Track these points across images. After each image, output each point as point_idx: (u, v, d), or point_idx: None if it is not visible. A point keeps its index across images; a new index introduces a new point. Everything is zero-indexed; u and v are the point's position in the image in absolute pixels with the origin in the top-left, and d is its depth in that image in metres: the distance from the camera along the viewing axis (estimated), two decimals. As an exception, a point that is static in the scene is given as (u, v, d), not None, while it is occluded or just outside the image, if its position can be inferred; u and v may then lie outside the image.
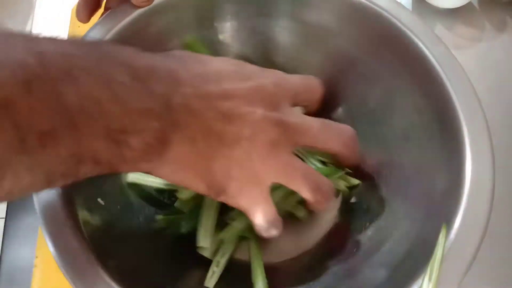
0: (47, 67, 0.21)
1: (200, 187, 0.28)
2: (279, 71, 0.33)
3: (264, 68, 0.32)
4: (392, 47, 0.40)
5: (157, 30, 0.41)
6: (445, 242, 0.31)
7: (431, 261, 0.30)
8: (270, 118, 0.28)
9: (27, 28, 0.57)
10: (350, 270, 0.39)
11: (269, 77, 0.31)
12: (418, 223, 0.36)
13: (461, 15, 0.60)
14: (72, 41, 0.25)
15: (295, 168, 0.30)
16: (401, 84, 0.40)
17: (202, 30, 0.44)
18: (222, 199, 0.29)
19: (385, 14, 0.40)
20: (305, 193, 0.30)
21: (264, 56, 0.47)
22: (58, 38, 0.24)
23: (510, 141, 0.52)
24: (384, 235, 0.39)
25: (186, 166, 0.27)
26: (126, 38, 0.39)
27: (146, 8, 0.39)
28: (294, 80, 0.33)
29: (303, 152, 0.40)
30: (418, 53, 0.38)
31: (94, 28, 0.38)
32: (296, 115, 0.31)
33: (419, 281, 0.30)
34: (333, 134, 0.32)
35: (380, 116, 0.43)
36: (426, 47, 0.37)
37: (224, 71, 0.29)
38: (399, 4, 0.40)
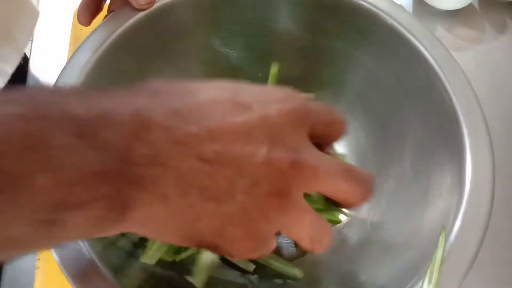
0: None
1: (189, 245, 0.23)
2: (293, 92, 0.25)
3: (274, 88, 0.26)
4: (392, 50, 0.40)
5: (160, 33, 0.41)
6: (444, 245, 0.31)
7: (431, 263, 0.30)
8: (278, 159, 0.21)
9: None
10: (347, 276, 0.40)
11: (278, 101, 0.23)
12: (418, 225, 0.36)
13: (461, 17, 0.60)
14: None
15: (303, 225, 0.23)
16: (401, 86, 0.41)
17: (205, 33, 0.44)
18: (218, 253, 0.24)
19: (385, 16, 0.40)
20: (305, 244, 0.25)
21: (267, 60, 0.48)
22: None
23: (509, 141, 0.53)
24: (384, 237, 0.39)
25: (161, 228, 0.22)
26: (128, 41, 0.39)
27: (148, 11, 0.39)
28: (314, 106, 0.25)
29: None
30: (418, 55, 0.38)
31: (96, 31, 0.39)
32: (315, 153, 0.23)
33: (419, 283, 0.30)
34: (356, 184, 0.25)
35: (381, 119, 0.44)
36: (426, 49, 0.38)
37: (215, 102, 0.22)
38: (400, 6, 0.40)
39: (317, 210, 0.25)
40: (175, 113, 0.21)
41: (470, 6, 0.60)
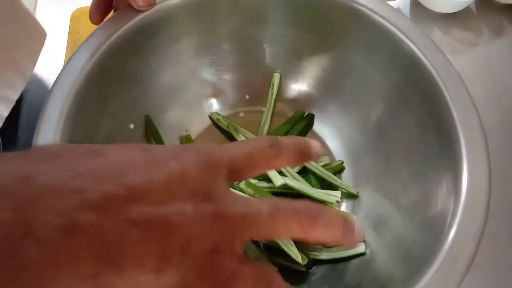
0: None
1: None
2: (203, 145, 0.23)
3: (184, 145, 0.24)
4: (389, 54, 0.40)
5: (159, 34, 0.41)
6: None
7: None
8: (205, 213, 0.20)
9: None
10: (342, 277, 0.40)
11: (190, 156, 0.21)
12: (413, 231, 0.36)
13: (459, 20, 0.60)
14: None
15: (245, 278, 0.21)
16: (399, 91, 0.41)
17: (204, 34, 0.44)
18: None
19: (384, 21, 0.40)
20: None
21: (262, 63, 0.48)
22: None
23: (507, 143, 0.53)
24: (379, 242, 0.39)
25: None
26: (128, 42, 0.39)
27: (147, 13, 0.39)
28: (228, 152, 0.23)
29: None
30: (417, 62, 0.38)
31: (94, 34, 0.39)
32: (237, 200, 0.21)
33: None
34: (290, 218, 0.22)
35: (378, 124, 0.44)
36: (425, 56, 0.37)
37: (128, 161, 0.20)
38: (398, 11, 0.40)
39: None
40: (81, 175, 0.18)
41: (467, 9, 0.60)
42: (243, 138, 0.46)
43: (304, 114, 0.49)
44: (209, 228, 0.20)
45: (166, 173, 0.20)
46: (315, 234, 0.22)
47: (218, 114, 0.48)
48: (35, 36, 0.47)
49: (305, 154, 0.25)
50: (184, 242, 0.19)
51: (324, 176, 0.44)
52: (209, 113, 0.49)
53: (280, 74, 0.49)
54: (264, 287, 0.22)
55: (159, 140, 0.45)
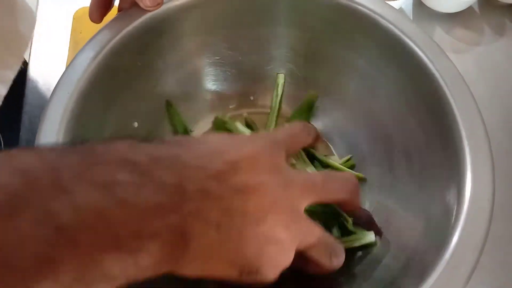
0: (34, 186, 0.19)
1: (232, 274, 0.26)
2: (265, 133, 0.34)
3: (255, 134, 0.32)
4: (395, 58, 0.40)
5: (164, 34, 0.41)
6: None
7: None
8: (280, 183, 0.27)
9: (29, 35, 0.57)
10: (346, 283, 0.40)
11: (259, 140, 0.29)
12: (416, 239, 0.36)
13: (461, 19, 0.60)
14: (59, 150, 0.23)
15: (314, 234, 0.29)
16: (405, 96, 0.41)
17: (209, 35, 0.44)
18: (251, 279, 0.26)
19: (389, 25, 0.40)
20: (323, 261, 0.30)
21: (266, 64, 0.48)
22: (42, 148, 0.22)
23: (509, 143, 0.53)
24: (382, 248, 0.39)
25: (214, 256, 0.25)
26: (133, 41, 0.39)
27: (153, 12, 0.39)
28: (281, 135, 0.31)
29: None
30: (421, 66, 0.38)
31: (100, 33, 0.39)
32: (299, 173, 0.30)
33: None
34: (339, 185, 0.31)
35: (383, 128, 0.44)
36: (430, 60, 0.37)
37: (222, 145, 0.27)
38: (404, 15, 0.40)
39: None
40: (202, 156, 0.25)
41: (469, 8, 0.60)
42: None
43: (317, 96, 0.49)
44: (285, 194, 0.27)
45: (247, 150, 0.27)
46: (355, 198, 0.32)
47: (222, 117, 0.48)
48: (27, 15, 0.47)
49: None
50: (272, 203, 0.26)
51: (329, 163, 0.45)
52: (214, 116, 0.48)
53: (285, 75, 0.49)
54: (329, 252, 0.30)
55: (180, 123, 0.46)
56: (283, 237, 0.26)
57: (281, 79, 0.48)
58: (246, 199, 0.25)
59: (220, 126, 0.47)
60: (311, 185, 0.29)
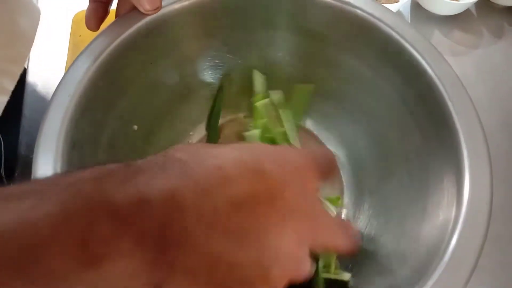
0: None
1: None
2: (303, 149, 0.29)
3: (296, 149, 0.29)
4: (393, 62, 0.40)
5: (163, 38, 0.41)
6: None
7: None
8: (302, 207, 0.25)
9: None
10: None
11: (298, 152, 0.27)
12: (414, 241, 0.36)
13: (459, 22, 0.61)
14: (33, 202, 0.19)
15: (329, 226, 0.27)
16: (404, 102, 0.41)
17: (208, 39, 0.44)
18: None
19: (387, 29, 0.40)
20: (342, 242, 0.27)
21: (268, 66, 0.48)
22: (13, 198, 0.19)
23: (507, 145, 0.53)
24: (380, 250, 0.39)
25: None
26: (132, 45, 0.39)
27: (152, 16, 0.39)
28: (320, 154, 0.29)
29: None
30: (419, 70, 0.38)
31: (99, 36, 0.39)
32: (322, 208, 0.27)
33: None
34: (344, 235, 0.28)
35: (382, 131, 0.44)
36: (428, 64, 0.37)
37: (267, 154, 0.25)
38: (403, 19, 0.40)
39: None
40: (203, 191, 0.22)
41: (467, 11, 0.60)
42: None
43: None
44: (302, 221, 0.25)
45: (292, 166, 0.25)
46: (348, 251, 0.28)
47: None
48: (30, 13, 0.47)
49: None
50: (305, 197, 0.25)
51: None
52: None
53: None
54: (348, 232, 0.28)
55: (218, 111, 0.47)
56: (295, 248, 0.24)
57: (308, 88, 0.48)
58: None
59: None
60: (325, 227, 0.27)
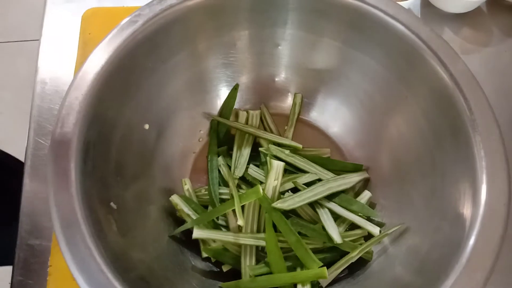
0: None
1: None
2: None
3: None
4: (407, 61, 0.40)
5: (176, 35, 0.41)
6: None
7: None
8: None
9: (37, 37, 0.57)
10: (360, 280, 0.40)
11: None
12: (429, 243, 0.36)
13: (469, 20, 0.60)
14: None
15: None
16: (417, 102, 0.41)
17: (220, 36, 0.44)
18: None
19: (402, 27, 0.39)
20: None
21: (277, 62, 0.48)
22: None
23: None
24: (396, 251, 0.39)
25: None
26: (145, 42, 0.39)
27: (164, 13, 0.39)
28: None
29: (321, 198, 0.42)
30: (434, 69, 0.38)
31: (111, 34, 0.38)
32: None
33: None
34: None
35: (398, 133, 0.44)
36: (443, 63, 0.37)
37: None
38: (419, 19, 0.40)
39: None
40: None
41: (477, 9, 0.60)
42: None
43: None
44: None
45: None
46: None
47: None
48: None
49: None
50: None
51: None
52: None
53: (302, 95, 0.49)
54: None
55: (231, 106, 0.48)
56: None
57: (298, 98, 0.49)
58: None
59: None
60: None
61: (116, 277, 0.30)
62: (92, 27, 0.54)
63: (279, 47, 0.46)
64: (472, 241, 0.31)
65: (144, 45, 0.39)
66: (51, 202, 0.32)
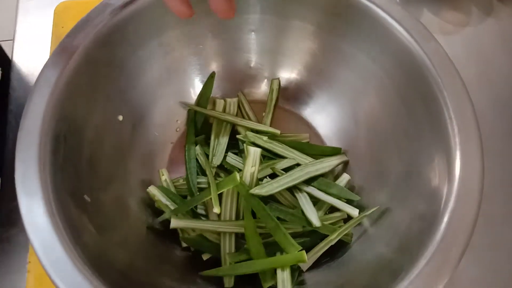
0: None
1: None
2: None
3: None
4: (382, 43, 0.40)
5: (146, 24, 0.40)
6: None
7: None
8: None
9: (11, 31, 0.56)
10: (341, 263, 0.40)
11: None
12: (407, 222, 0.36)
13: (448, 0, 0.60)
14: None
15: None
16: (393, 81, 0.40)
17: (191, 24, 0.43)
18: None
19: (377, 9, 0.39)
20: None
21: (252, 49, 0.47)
22: None
23: (497, 124, 0.52)
24: (375, 231, 0.39)
25: None
26: (115, 33, 0.38)
27: (134, 2, 0.38)
28: None
29: (300, 183, 0.41)
30: (408, 49, 0.37)
31: (79, 24, 0.38)
32: None
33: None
34: None
35: (373, 114, 0.43)
36: (417, 43, 0.37)
37: None
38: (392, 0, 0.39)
39: None
40: None
41: (456, -11, 0.59)
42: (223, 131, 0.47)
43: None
44: None
45: None
46: None
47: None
48: None
49: None
50: None
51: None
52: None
53: (279, 81, 0.49)
54: None
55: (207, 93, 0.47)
56: None
57: (275, 84, 0.48)
58: None
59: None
60: None
61: (94, 275, 0.30)
62: (64, 21, 0.53)
63: (252, 33, 0.45)
64: (446, 217, 0.31)
65: (114, 35, 0.38)
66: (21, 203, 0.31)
